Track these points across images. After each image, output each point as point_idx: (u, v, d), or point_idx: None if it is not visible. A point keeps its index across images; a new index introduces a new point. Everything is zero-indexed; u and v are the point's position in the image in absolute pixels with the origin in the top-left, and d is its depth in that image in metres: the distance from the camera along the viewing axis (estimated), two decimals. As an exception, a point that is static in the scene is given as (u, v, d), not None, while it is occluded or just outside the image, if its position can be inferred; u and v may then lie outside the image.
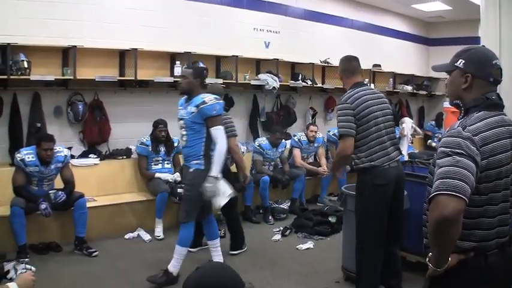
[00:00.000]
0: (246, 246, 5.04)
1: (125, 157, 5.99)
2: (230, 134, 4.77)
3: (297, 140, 6.94)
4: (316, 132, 7.01)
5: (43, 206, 4.58)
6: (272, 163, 6.64)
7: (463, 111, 1.93)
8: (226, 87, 6.74)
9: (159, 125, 5.76)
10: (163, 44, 6.31)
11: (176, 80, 6.05)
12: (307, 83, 7.77)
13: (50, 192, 4.83)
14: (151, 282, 4.06)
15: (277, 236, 5.53)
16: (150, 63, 6.15)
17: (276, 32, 7.76)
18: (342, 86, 7.95)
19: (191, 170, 4.04)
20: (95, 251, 4.78)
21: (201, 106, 3.93)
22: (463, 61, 1.92)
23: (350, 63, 3.70)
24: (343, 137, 3.49)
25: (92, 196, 5.38)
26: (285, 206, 6.42)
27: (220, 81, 6.57)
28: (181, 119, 4.11)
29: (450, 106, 2.07)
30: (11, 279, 3.81)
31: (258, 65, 7.40)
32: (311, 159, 7.27)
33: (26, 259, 4.38)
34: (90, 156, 5.71)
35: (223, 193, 4.09)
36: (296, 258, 4.86)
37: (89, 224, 4.91)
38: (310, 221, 5.69)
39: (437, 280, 1.88)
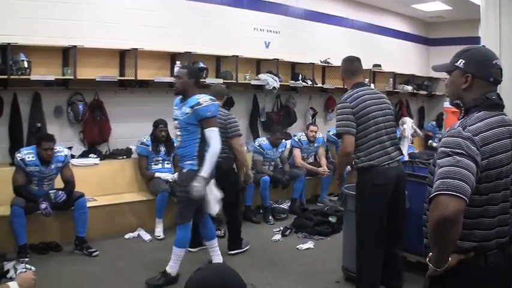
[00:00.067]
0: (248, 247, 5.03)
1: (125, 157, 5.99)
2: (235, 133, 4.78)
3: (297, 140, 6.94)
4: (316, 132, 7.01)
5: (43, 205, 4.58)
6: (272, 163, 6.64)
7: (463, 111, 1.93)
8: (226, 87, 6.76)
9: (159, 125, 5.76)
10: (163, 44, 6.31)
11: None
12: (307, 83, 7.77)
13: (50, 192, 4.83)
14: (150, 285, 4.06)
15: (278, 236, 5.53)
16: (151, 63, 6.15)
17: (276, 32, 7.76)
18: (342, 86, 8.04)
19: (185, 170, 4.02)
20: (95, 251, 4.78)
21: (196, 107, 3.90)
22: (463, 61, 1.92)
23: (352, 63, 3.73)
24: (342, 135, 3.50)
25: (92, 196, 5.38)
26: (285, 206, 6.42)
27: (221, 81, 6.57)
28: (176, 119, 4.10)
29: (450, 106, 2.07)
30: (10, 279, 3.82)
31: (258, 65, 7.40)
32: (311, 159, 7.27)
33: (26, 259, 4.39)
34: (90, 156, 5.71)
35: (215, 197, 4.08)
36: (296, 258, 4.86)
37: (89, 223, 4.91)
38: (311, 221, 5.69)
39: (438, 280, 1.88)
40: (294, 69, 7.87)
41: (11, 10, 5.22)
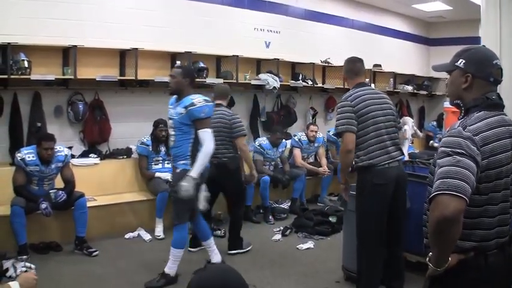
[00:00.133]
0: (250, 247, 5.03)
1: (125, 157, 5.99)
2: (239, 133, 4.78)
3: (297, 139, 6.94)
4: (316, 132, 7.01)
5: (43, 205, 4.58)
6: (272, 163, 6.64)
7: (463, 111, 1.93)
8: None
9: (159, 125, 5.76)
10: (164, 43, 6.31)
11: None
12: (307, 83, 7.77)
13: (51, 191, 4.83)
14: (150, 287, 4.05)
15: (278, 236, 5.53)
16: (151, 63, 6.15)
17: (277, 32, 7.76)
18: (342, 86, 8.07)
19: (178, 170, 4.00)
20: (95, 251, 4.78)
21: (190, 108, 3.88)
22: (464, 61, 1.92)
23: (354, 64, 3.76)
24: (342, 134, 3.51)
25: (92, 196, 5.38)
26: (286, 205, 6.42)
27: (221, 81, 6.57)
28: (170, 119, 4.09)
29: (450, 106, 2.07)
30: (10, 277, 3.82)
31: (259, 64, 7.40)
32: (311, 159, 7.27)
33: (25, 256, 4.39)
34: (90, 155, 5.71)
35: (203, 195, 4.07)
36: (296, 258, 4.86)
37: (89, 223, 4.92)
38: (311, 221, 5.69)
39: (438, 280, 1.87)
40: (294, 69, 7.87)
41: (11, 10, 5.22)
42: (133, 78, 5.84)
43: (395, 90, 9.49)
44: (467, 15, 9.21)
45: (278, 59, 7.31)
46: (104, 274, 4.35)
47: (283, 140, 6.71)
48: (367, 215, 3.53)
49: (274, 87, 7.07)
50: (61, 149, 4.91)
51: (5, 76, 5.00)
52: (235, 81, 6.77)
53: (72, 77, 5.41)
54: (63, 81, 5.55)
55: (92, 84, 5.66)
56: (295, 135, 7.06)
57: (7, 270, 4.08)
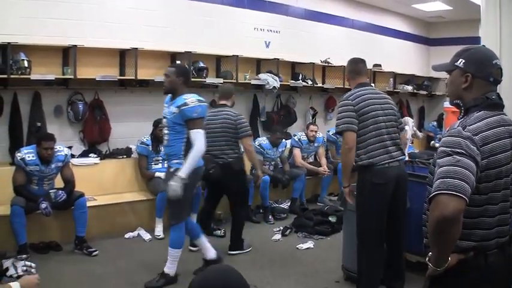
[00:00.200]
0: (250, 249, 5.03)
1: (125, 156, 5.99)
2: (245, 133, 4.78)
3: (297, 139, 6.94)
4: (316, 132, 7.01)
5: (43, 205, 4.58)
6: (272, 163, 6.64)
7: (463, 111, 1.93)
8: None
9: (159, 125, 5.74)
10: (164, 43, 6.31)
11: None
12: (307, 83, 7.77)
13: (50, 191, 4.83)
14: (150, 287, 4.04)
15: (278, 236, 5.53)
16: (151, 62, 6.15)
17: (277, 32, 7.77)
18: (342, 86, 8.06)
19: (172, 169, 3.98)
20: (95, 251, 4.78)
21: (182, 108, 3.86)
22: (463, 61, 1.92)
23: (356, 65, 3.80)
24: (343, 132, 3.52)
25: (92, 195, 5.38)
26: (285, 205, 6.42)
27: (221, 80, 6.57)
28: (164, 118, 4.08)
29: (450, 106, 2.07)
30: (10, 277, 3.81)
31: (259, 64, 7.41)
32: (311, 159, 7.27)
33: (24, 255, 4.39)
34: (90, 155, 5.71)
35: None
36: (296, 258, 4.86)
37: (89, 223, 4.92)
38: (311, 221, 5.69)
39: (437, 280, 1.87)
40: (294, 69, 7.87)
41: (11, 9, 5.22)
42: (133, 78, 5.85)
43: (395, 90, 9.49)
44: (467, 15, 9.21)
45: (278, 59, 7.31)
46: (104, 274, 4.35)
47: (283, 140, 6.71)
48: (367, 215, 3.54)
49: (274, 87, 7.07)
50: (61, 149, 4.91)
51: (5, 76, 5.00)
52: (235, 81, 6.77)
53: (72, 76, 5.41)
54: (63, 81, 5.55)
55: (92, 84, 5.65)
56: (295, 135, 7.06)
57: (7, 269, 4.07)
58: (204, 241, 4.35)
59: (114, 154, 5.97)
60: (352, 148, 3.50)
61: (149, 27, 6.28)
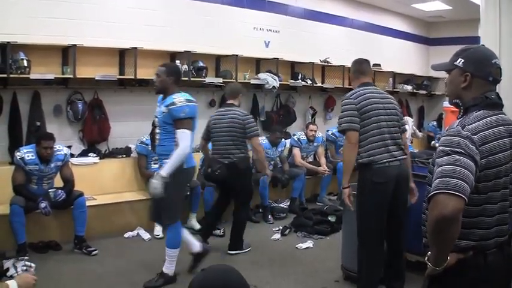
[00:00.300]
0: (249, 249, 5.02)
1: (124, 156, 5.99)
2: (254, 133, 4.80)
3: (296, 139, 6.94)
4: (315, 131, 7.01)
5: (43, 204, 4.58)
6: (272, 162, 6.63)
7: (462, 110, 1.93)
8: (226, 86, 6.76)
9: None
10: (163, 43, 6.31)
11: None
12: (306, 83, 7.78)
13: (50, 190, 4.84)
14: (149, 287, 4.03)
15: (277, 235, 5.53)
16: (150, 62, 6.13)
17: (276, 32, 7.77)
18: (341, 86, 8.04)
19: None
20: (95, 250, 4.78)
21: (170, 107, 3.85)
22: (463, 60, 1.92)
23: (360, 65, 3.85)
24: (345, 131, 3.54)
25: (92, 195, 5.38)
26: (285, 205, 6.42)
27: (220, 80, 6.58)
28: (156, 117, 4.07)
29: (450, 105, 2.07)
30: (11, 277, 3.81)
31: (258, 64, 7.41)
32: (310, 159, 7.27)
33: (25, 257, 4.39)
34: (89, 155, 5.71)
35: None
36: (296, 258, 4.87)
37: (88, 222, 4.92)
38: (310, 220, 5.69)
39: (437, 279, 1.87)
40: (293, 68, 7.87)
41: (11, 9, 5.22)
42: (133, 77, 5.85)
43: (394, 89, 9.49)
44: (466, 14, 9.21)
45: (277, 59, 7.32)
46: (103, 273, 4.35)
47: (283, 140, 6.71)
48: (368, 214, 3.54)
49: (274, 86, 7.07)
50: (60, 148, 4.91)
51: (5, 75, 4.99)
52: (234, 80, 6.77)
53: (71, 76, 5.42)
54: (63, 80, 5.55)
55: (91, 83, 5.66)
56: (294, 135, 7.06)
57: (8, 269, 4.08)
58: (186, 236, 4.28)
59: (113, 153, 5.97)
60: (355, 145, 3.51)
61: (149, 27, 6.28)
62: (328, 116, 8.68)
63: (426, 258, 1.86)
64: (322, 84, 8.19)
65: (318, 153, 7.21)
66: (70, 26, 5.59)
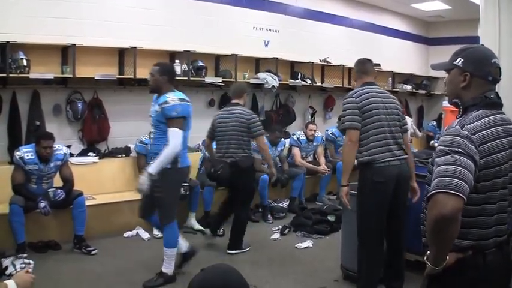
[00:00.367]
0: (248, 248, 5.02)
1: (124, 156, 6.00)
2: (259, 132, 4.81)
3: (295, 138, 6.95)
4: (315, 131, 7.01)
5: (42, 204, 4.58)
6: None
7: (461, 110, 1.93)
8: (225, 86, 6.77)
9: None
10: (163, 42, 6.31)
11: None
12: (306, 82, 7.78)
13: (49, 190, 4.83)
14: (148, 287, 4.02)
15: (276, 235, 5.53)
16: (150, 61, 6.03)
17: (276, 31, 7.77)
18: (341, 85, 8.04)
19: None
20: (94, 249, 4.78)
21: (163, 106, 3.84)
22: (462, 60, 1.92)
23: (363, 65, 3.86)
24: (347, 130, 3.56)
25: (91, 194, 5.38)
26: (284, 204, 6.42)
27: (220, 79, 6.57)
28: (151, 116, 4.07)
29: (449, 105, 2.07)
30: (10, 275, 3.82)
31: (258, 63, 7.41)
32: (310, 158, 7.28)
33: (24, 254, 4.39)
34: (89, 154, 5.72)
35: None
36: (295, 257, 4.87)
37: (87, 222, 4.91)
38: (309, 220, 5.69)
39: (436, 279, 1.87)
40: (293, 68, 7.87)
41: (10, 8, 5.21)
42: (132, 77, 5.85)
43: (394, 89, 9.48)
44: (466, 14, 9.21)
45: (277, 58, 7.32)
46: (103, 273, 4.35)
47: (282, 139, 6.71)
48: (367, 213, 3.55)
49: (273, 86, 7.08)
50: (60, 148, 4.91)
51: (4, 75, 4.99)
52: (234, 80, 6.77)
53: (71, 75, 5.41)
54: (62, 79, 5.55)
55: (91, 83, 5.66)
56: (293, 134, 7.06)
57: (6, 268, 4.09)
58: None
59: (113, 153, 5.98)
60: (355, 144, 3.52)
61: (148, 26, 6.28)
62: (327, 116, 8.68)
63: (425, 258, 1.86)
64: (321, 83, 8.19)
65: (318, 153, 7.21)
66: (69, 25, 5.59)
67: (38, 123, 5.36)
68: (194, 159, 5.87)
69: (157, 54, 6.25)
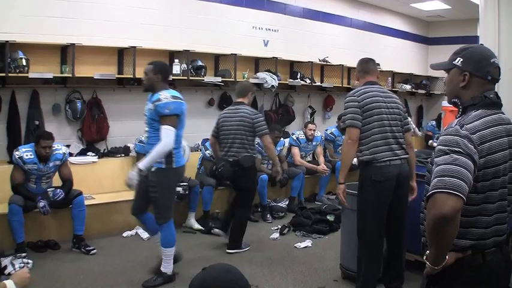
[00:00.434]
0: (248, 248, 5.02)
1: (123, 155, 5.99)
2: (264, 131, 4.82)
3: (295, 138, 6.95)
4: (314, 130, 7.02)
5: (41, 203, 4.58)
6: (270, 161, 6.62)
7: (461, 110, 1.93)
8: (224, 86, 6.77)
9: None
10: (162, 42, 6.31)
11: (174, 79, 6.06)
12: (305, 82, 7.78)
13: (49, 190, 4.84)
14: (148, 287, 4.01)
15: (276, 235, 5.53)
16: (149, 61, 6.11)
17: (275, 31, 7.77)
18: (340, 85, 8.02)
19: (153, 169, 3.89)
20: (93, 249, 4.78)
21: (156, 103, 3.83)
22: (461, 59, 1.92)
23: (366, 64, 3.88)
24: (347, 128, 3.56)
25: (90, 194, 5.38)
26: (284, 204, 6.42)
27: (219, 79, 6.57)
28: (145, 115, 4.07)
29: (449, 105, 2.07)
30: (9, 275, 3.82)
31: (257, 63, 7.41)
32: (309, 158, 7.28)
33: (23, 254, 4.39)
34: (88, 154, 5.72)
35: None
36: (294, 257, 4.86)
37: (87, 221, 4.91)
38: (309, 220, 5.69)
39: (435, 278, 1.87)
40: (292, 67, 7.87)
41: (9, 8, 5.21)
42: (132, 76, 5.84)
43: (393, 89, 9.47)
44: (465, 14, 9.22)
45: (276, 58, 7.31)
46: (102, 272, 4.34)
47: (281, 139, 6.71)
48: (367, 212, 3.55)
49: (273, 85, 7.08)
50: (59, 147, 4.90)
51: (3, 74, 4.99)
52: (233, 79, 6.77)
53: (70, 75, 5.41)
54: (61, 79, 5.54)
55: (90, 82, 5.66)
56: (293, 134, 7.07)
57: (5, 267, 4.09)
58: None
59: (112, 153, 5.97)
60: (355, 142, 3.52)
61: (148, 26, 6.27)
62: (327, 115, 8.68)
63: (425, 258, 1.86)
64: (321, 83, 8.19)
65: (317, 153, 7.21)
66: (69, 24, 5.58)
67: (37, 122, 5.36)
68: (193, 159, 5.88)
69: (157, 54, 6.24)
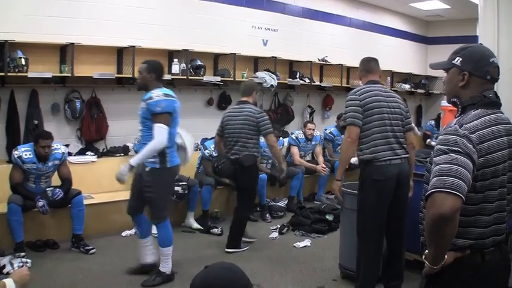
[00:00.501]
0: (247, 247, 5.02)
1: (122, 154, 5.99)
2: (268, 130, 4.81)
3: (294, 138, 6.95)
4: (313, 130, 7.02)
5: (40, 203, 4.58)
6: (270, 161, 6.64)
7: (460, 109, 1.93)
8: (224, 85, 6.76)
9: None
10: (161, 41, 6.31)
11: (174, 78, 6.06)
12: (305, 81, 7.78)
13: (48, 189, 4.83)
14: (147, 286, 4.00)
15: (275, 234, 5.53)
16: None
17: (274, 30, 7.77)
18: (339, 84, 8.01)
19: (147, 169, 3.90)
20: (92, 248, 4.78)
21: (148, 101, 3.84)
22: (461, 59, 1.92)
23: (368, 63, 3.85)
24: (347, 126, 3.56)
25: (89, 193, 5.38)
26: (283, 203, 6.42)
27: (218, 78, 6.57)
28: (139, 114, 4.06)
29: (448, 104, 2.07)
30: (7, 274, 3.82)
31: (256, 62, 7.41)
32: (308, 157, 7.28)
33: (22, 253, 4.39)
34: (87, 153, 5.72)
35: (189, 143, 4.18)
36: (293, 256, 4.86)
37: (86, 221, 4.91)
38: (308, 219, 5.69)
39: (434, 278, 1.87)
40: (291, 67, 7.87)
41: (9, 7, 5.20)
42: (131, 76, 5.83)
43: (392, 88, 9.47)
44: (465, 14, 9.23)
45: (276, 57, 7.31)
46: (101, 272, 4.34)
47: (281, 138, 6.71)
48: (367, 211, 3.55)
49: (272, 85, 7.07)
50: (58, 147, 4.90)
51: (2, 74, 4.98)
52: (232, 79, 6.77)
53: (69, 74, 5.41)
54: (60, 78, 5.54)
55: (89, 81, 5.66)
56: (292, 133, 7.07)
57: (4, 267, 4.09)
58: (150, 243, 4.24)
59: (111, 152, 5.97)
60: (354, 141, 3.53)
61: (147, 25, 6.26)
62: (326, 115, 8.67)
63: (424, 257, 1.86)
64: (320, 83, 8.19)
65: (316, 152, 7.21)
66: (68, 24, 5.58)
67: (36, 122, 5.36)
68: (193, 158, 5.85)
69: (156, 53, 6.23)
